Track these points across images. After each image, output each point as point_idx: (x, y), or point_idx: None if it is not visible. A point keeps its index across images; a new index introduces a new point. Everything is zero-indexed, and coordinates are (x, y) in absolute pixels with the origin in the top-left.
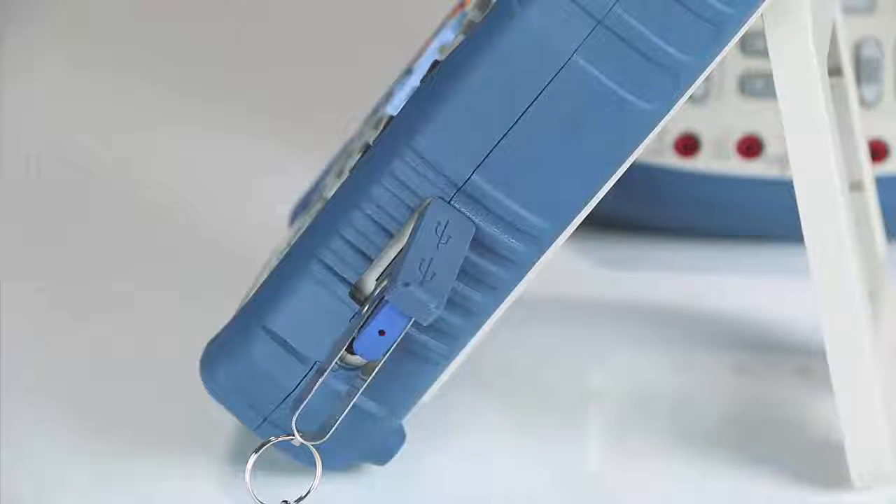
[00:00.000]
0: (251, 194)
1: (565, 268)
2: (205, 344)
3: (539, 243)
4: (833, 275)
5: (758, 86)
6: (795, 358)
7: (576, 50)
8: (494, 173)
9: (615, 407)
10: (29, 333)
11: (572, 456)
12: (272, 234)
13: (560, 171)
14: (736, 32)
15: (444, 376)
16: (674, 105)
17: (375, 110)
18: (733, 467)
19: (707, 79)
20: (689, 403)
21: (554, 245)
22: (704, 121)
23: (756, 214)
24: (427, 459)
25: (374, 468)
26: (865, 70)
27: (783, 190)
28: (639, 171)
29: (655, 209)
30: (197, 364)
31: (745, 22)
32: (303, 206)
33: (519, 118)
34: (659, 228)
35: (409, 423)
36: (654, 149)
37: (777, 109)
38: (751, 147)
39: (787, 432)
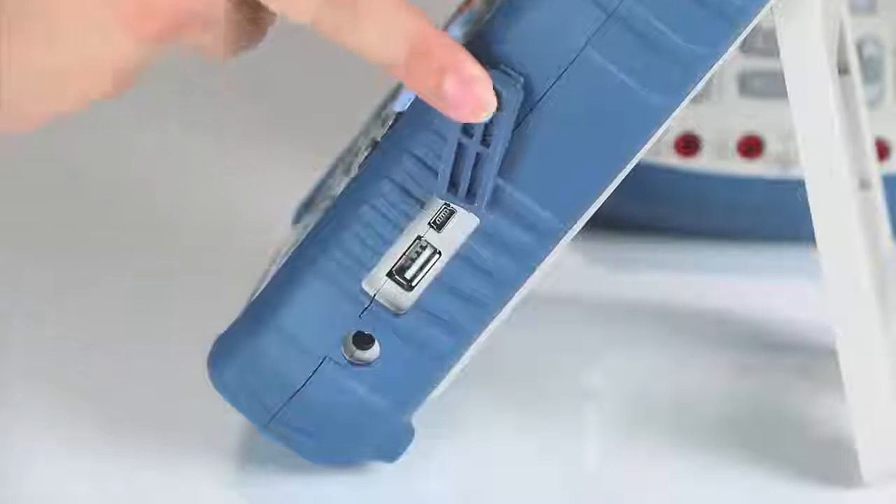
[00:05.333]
0: (253, 193)
1: (565, 268)
2: (209, 342)
3: (549, 237)
4: (844, 273)
5: (758, 86)
6: (795, 358)
7: (587, 42)
8: (504, 166)
9: (615, 407)
10: (31, 334)
11: (572, 455)
12: (275, 232)
13: (571, 165)
14: (747, 25)
15: (452, 375)
16: (685, 97)
17: (381, 108)
18: (733, 467)
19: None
20: (689, 403)
21: (564, 239)
22: (704, 121)
23: (756, 214)
24: (427, 458)
25: (377, 466)
26: (866, 69)
27: (783, 190)
28: (639, 171)
29: (655, 209)
30: (201, 362)
31: (756, 14)
32: (306, 205)
33: (530, 111)
34: (659, 228)
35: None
36: (654, 149)
37: (777, 109)
38: (751, 147)
39: (786, 432)
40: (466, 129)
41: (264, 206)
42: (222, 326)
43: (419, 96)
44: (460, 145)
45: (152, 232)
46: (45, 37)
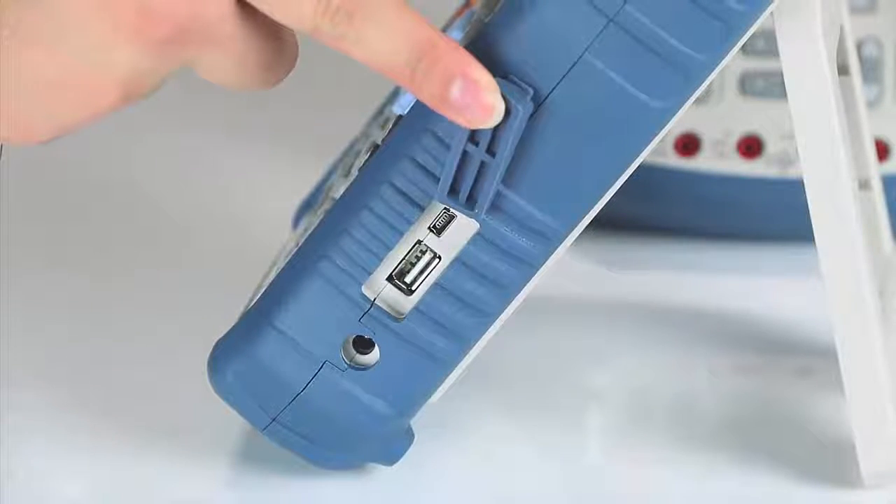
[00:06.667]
0: (253, 195)
1: (565, 268)
2: (210, 345)
3: (549, 242)
4: (844, 273)
5: (758, 86)
6: (795, 358)
7: (587, 48)
8: (505, 171)
9: (615, 407)
10: (32, 335)
11: (573, 456)
12: (276, 234)
13: (571, 169)
14: (747, 30)
15: (453, 377)
16: (685, 103)
17: (381, 110)
18: (734, 467)
19: None
20: (690, 403)
21: (564, 244)
22: (704, 121)
23: (756, 214)
24: (428, 460)
25: (377, 468)
26: (866, 69)
27: (783, 190)
28: (639, 171)
29: (655, 209)
30: (202, 365)
31: (756, 19)
32: (306, 207)
33: (530, 116)
34: (659, 228)
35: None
36: (654, 149)
37: (777, 109)
38: (751, 147)
39: (787, 432)
40: (473, 136)
41: (264, 209)
42: (223, 329)
43: (424, 103)
44: (465, 152)
45: (152, 235)
46: (45, 47)
